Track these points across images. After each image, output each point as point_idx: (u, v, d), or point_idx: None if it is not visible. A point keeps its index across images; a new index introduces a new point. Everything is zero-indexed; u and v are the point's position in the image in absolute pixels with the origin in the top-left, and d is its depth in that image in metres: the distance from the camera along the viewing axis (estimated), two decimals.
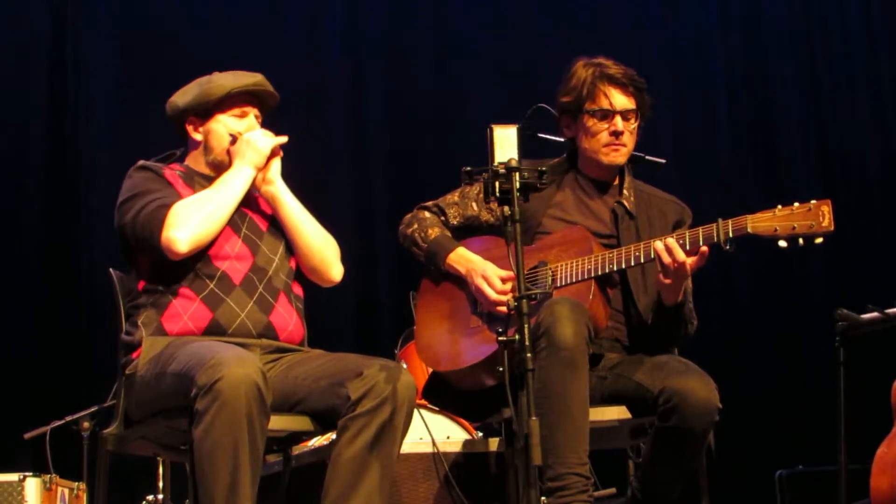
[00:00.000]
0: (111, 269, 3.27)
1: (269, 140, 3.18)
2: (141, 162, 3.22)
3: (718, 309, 5.93)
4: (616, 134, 3.38)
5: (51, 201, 5.86)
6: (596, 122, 3.39)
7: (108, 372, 3.58)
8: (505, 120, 2.80)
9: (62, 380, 5.59)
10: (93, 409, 4.68)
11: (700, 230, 3.09)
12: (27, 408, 5.48)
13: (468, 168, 2.88)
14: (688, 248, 3.08)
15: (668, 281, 3.12)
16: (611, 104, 3.38)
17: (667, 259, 3.08)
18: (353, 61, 6.26)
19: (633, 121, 3.41)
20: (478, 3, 6.45)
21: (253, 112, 3.25)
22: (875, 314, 3.69)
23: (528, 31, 6.30)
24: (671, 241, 3.09)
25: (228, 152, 3.19)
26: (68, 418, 4.72)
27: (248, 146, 3.15)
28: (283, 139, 3.22)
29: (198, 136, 3.24)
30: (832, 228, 2.96)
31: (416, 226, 3.50)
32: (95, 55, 6.02)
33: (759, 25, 6.47)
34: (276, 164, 3.21)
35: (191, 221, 3.00)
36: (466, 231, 3.52)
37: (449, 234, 3.48)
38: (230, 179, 3.13)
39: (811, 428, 5.60)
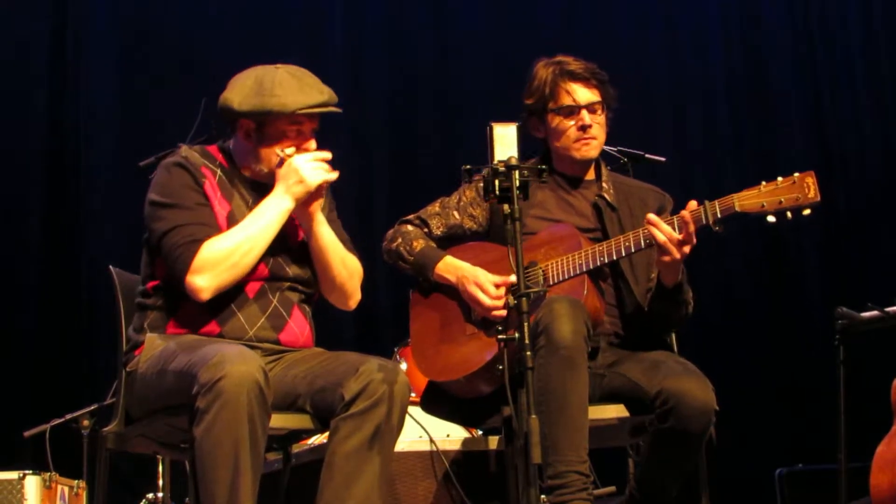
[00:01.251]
0: (111, 267, 3.26)
1: (319, 175, 2.97)
2: (183, 151, 3.05)
3: (717, 308, 5.93)
4: (584, 128, 3.37)
5: (51, 200, 5.86)
6: (562, 120, 3.38)
7: (108, 370, 3.58)
8: (505, 118, 2.80)
9: (62, 378, 5.60)
10: (93, 408, 4.68)
11: (689, 213, 3.08)
12: (27, 406, 5.49)
13: (468, 166, 2.88)
14: (678, 233, 3.07)
15: (666, 259, 3.11)
16: (574, 100, 3.36)
17: (661, 238, 3.07)
18: (354, 61, 6.26)
19: (599, 113, 3.39)
20: (478, 2, 6.46)
21: (311, 126, 3.04)
22: (875, 312, 3.70)
23: (529, 30, 6.31)
24: (654, 218, 3.09)
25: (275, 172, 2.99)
26: (68, 416, 4.72)
27: (295, 175, 2.96)
28: (334, 176, 3.02)
29: (248, 142, 3.03)
30: (818, 199, 2.96)
31: (399, 240, 3.46)
32: (95, 55, 6.03)
33: (758, 25, 6.48)
34: (321, 194, 3.02)
35: (217, 267, 2.87)
36: (450, 240, 3.48)
37: (434, 244, 3.45)
38: (265, 213, 2.95)
39: (811, 426, 5.61)
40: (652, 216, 3.11)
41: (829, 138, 6.30)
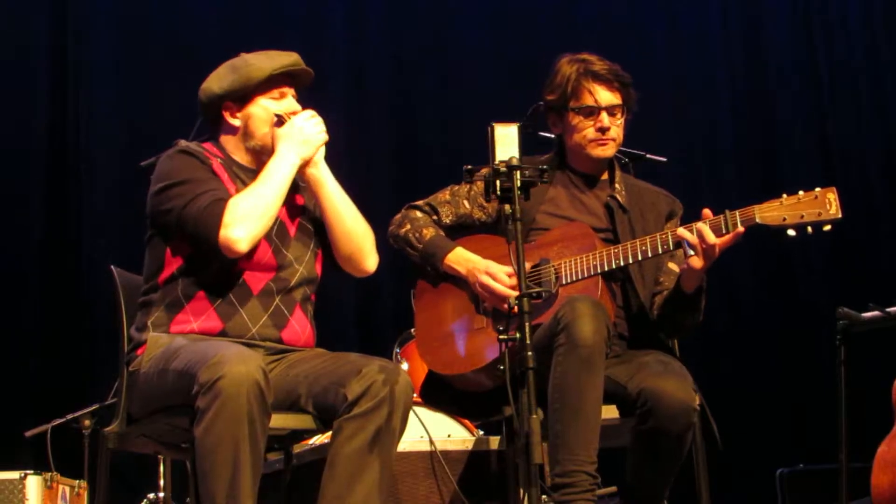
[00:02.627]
0: (112, 267, 3.26)
1: (322, 133, 3.08)
2: (182, 144, 3.09)
3: (719, 307, 5.92)
4: (602, 130, 3.37)
5: (51, 200, 5.86)
6: (582, 120, 3.38)
7: (109, 370, 3.58)
8: (506, 118, 2.80)
9: (63, 378, 5.59)
10: (94, 407, 4.68)
11: (707, 222, 3.08)
12: (28, 406, 5.49)
13: (469, 166, 2.88)
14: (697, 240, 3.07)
15: (698, 265, 3.10)
16: (595, 101, 3.36)
17: (695, 241, 3.06)
18: (355, 61, 6.26)
19: (619, 116, 3.40)
20: (479, 1, 6.46)
21: (290, 92, 3.13)
22: (876, 313, 3.69)
23: (529, 29, 6.31)
24: (702, 224, 3.07)
25: (272, 134, 3.06)
26: (69, 416, 4.72)
27: (299, 134, 3.04)
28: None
29: (236, 122, 3.10)
30: (840, 215, 2.97)
31: (408, 226, 3.45)
32: (96, 54, 6.03)
33: (759, 25, 6.48)
34: (322, 147, 3.11)
35: (249, 219, 2.90)
36: (459, 230, 3.47)
37: (443, 233, 3.44)
38: (276, 170, 2.99)
39: (812, 426, 5.61)
40: (701, 225, 3.07)
41: (829, 138, 6.30)
